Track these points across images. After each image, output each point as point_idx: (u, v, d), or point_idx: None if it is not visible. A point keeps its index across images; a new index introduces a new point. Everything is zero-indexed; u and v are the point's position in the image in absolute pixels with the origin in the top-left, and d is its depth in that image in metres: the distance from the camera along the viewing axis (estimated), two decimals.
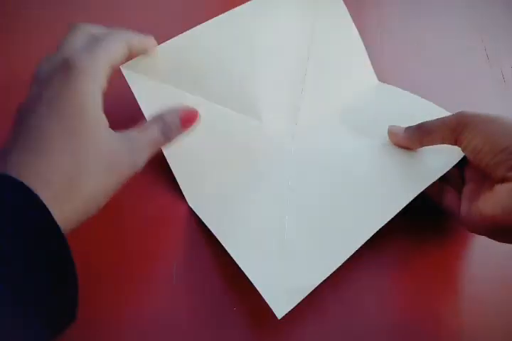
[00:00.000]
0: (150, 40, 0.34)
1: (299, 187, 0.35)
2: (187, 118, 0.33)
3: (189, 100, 0.36)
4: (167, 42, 0.35)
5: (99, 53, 0.29)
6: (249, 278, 0.30)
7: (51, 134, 0.27)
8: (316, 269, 0.31)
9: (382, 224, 0.31)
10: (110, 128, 0.29)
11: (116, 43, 0.30)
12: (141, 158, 0.30)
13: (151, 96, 0.35)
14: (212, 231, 0.33)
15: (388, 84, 0.44)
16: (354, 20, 0.48)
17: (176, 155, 0.35)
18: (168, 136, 0.32)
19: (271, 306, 0.29)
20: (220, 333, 0.31)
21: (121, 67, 0.34)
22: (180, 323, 0.31)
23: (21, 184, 0.24)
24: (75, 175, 0.27)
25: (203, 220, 0.34)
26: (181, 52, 0.36)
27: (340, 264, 0.31)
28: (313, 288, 0.30)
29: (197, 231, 0.35)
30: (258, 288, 0.30)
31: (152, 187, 0.35)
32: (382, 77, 0.44)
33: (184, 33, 0.36)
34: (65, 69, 0.28)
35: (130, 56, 0.32)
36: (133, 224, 0.34)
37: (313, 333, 0.31)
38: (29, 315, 0.23)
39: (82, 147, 0.27)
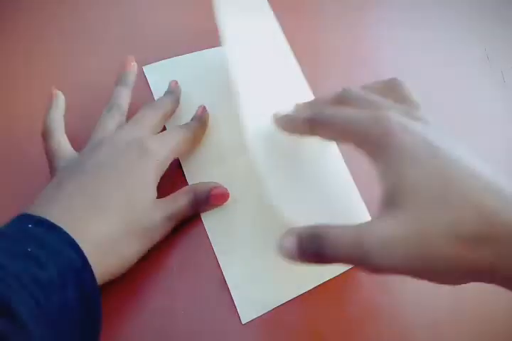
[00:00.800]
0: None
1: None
2: (217, 196, 0.35)
3: (192, 99, 0.41)
4: (185, 55, 0.43)
5: (170, 148, 0.34)
6: (226, 279, 0.32)
7: (112, 201, 0.30)
8: (289, 287, 0.32)
9: None
10: (156, 200, 0.32)
11: (185, 137, 0.36)
12: (170, 226, 0.33)
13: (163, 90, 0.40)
14: (205, 226, 0.35)
15: None
16: (354, 21, 0.48)
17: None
18: (194, 209, 0.34)
19: (238, 310, 0.31)
20: (219, 332, 0.31)
21: (143, 68, 0.43)
22: (179, 322, 0.31)
23: (77, 246, 0.27)
24: (121, 243, 0.30)
25: (202, 218, 0.35)
26: (194, 66, 0.43)
27: (313, 287, 0.32)
28: (281, 303, 0.32)
29: (198, 230, 0.35)
30: (231, 291, 0.32)
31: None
32: (381, 77, 0.44)
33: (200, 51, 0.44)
34: (141, 151, 0.32)
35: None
36: None
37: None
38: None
39: (134, 219, 0.30)
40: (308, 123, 0.29)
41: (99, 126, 0.35)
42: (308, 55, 0.44)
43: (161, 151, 0.33)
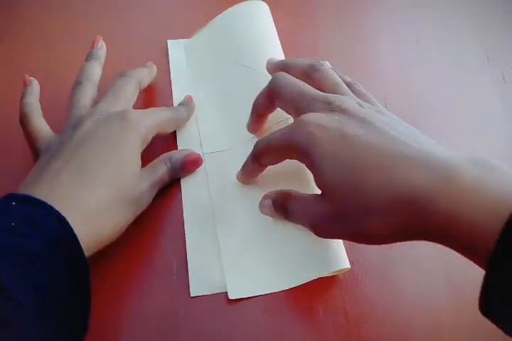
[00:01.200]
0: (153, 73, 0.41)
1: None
2: (191, 162, 0.37)
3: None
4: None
5: (152, 121, 0.35)
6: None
7: (100, 175, 0.31)
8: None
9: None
10: (140, 170, 0.34)
11: (168, 116, 0.37)
12: (154, 193, 0.35)
13: (181, 68, 0.43)
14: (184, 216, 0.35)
15: (388, 83, 0.44)
16: (355, 21, 0.48)
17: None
18: (172, 176, 0.36)
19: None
20: (220, 332, 0.31)
21: (168, 41, 0.44)
22: (180, 322, 0.31)
23: (62, 217, 0.27)
24: (111, 214, 0.31)
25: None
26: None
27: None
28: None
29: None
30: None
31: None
32: (382, 77, 0.44)
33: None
34: (123, 122, 0.33)
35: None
36: (133, 223, 0.34)
37: None
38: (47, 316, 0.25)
39: (123, 191, 0.31)
40: (255, 161, 0.34)
41: (74, 104, 0.36)
42: (307, 55, 0.45)
43: (143, 122, 0.34)
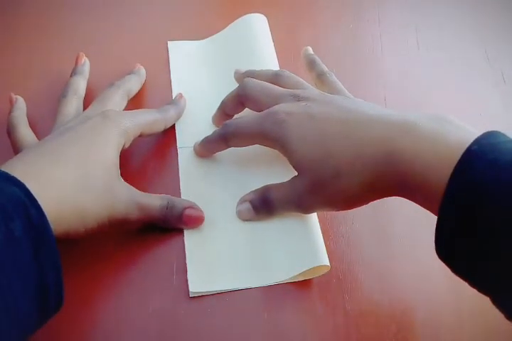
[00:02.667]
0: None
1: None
2: (189, 217, 0.34)
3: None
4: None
5: (135, 120, 0.34)
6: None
7: (69, 155, 0.30)
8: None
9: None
10: (120, 176, 0.32)
11: (155, 117, 0.37)
12: (135, 215, 0.32)
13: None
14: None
15: (388, 84, 0.44)
16: (354, 21, 0.48)
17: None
18: (162, 220, 0.33)
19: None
20: (220, 332, 0.31)
21: (168, 42, 0.45)
22: (180, 323, 0.31)
23: (18, 181, 0.26)
24: (78, 194, 0.29)
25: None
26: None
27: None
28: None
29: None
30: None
31: (153, 186, 0.36)
32: (382, 77, 0.44)
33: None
34: (103, 118, 0.33)
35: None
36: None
37: None
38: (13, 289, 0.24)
39: (91, 175, 0.30)
40: (221, 140, 0.35)
41: (60, 113, 0.36)
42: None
43: (124, 120, 0.34)
